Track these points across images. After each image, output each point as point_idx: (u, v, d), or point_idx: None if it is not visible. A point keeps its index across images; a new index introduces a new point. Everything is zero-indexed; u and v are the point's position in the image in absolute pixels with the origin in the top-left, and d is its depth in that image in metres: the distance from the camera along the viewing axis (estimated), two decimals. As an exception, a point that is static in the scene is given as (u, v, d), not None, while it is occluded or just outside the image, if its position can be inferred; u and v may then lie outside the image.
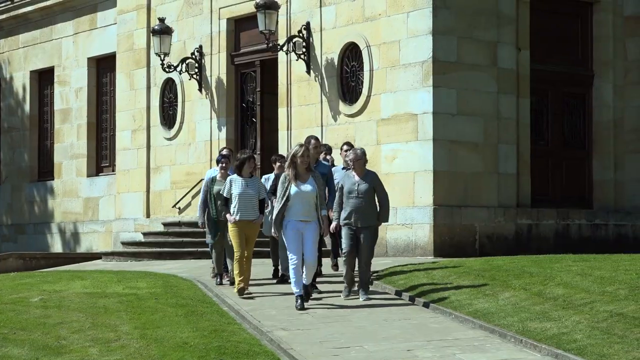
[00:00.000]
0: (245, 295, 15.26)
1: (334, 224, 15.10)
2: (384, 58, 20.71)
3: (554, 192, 21.89)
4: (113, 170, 28.72)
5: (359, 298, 14.79)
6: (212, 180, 17.12)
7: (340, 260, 16.25)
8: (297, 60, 22.41)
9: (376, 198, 15.06)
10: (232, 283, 16.27)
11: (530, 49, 21.34)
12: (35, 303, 14.98)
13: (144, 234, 24.70)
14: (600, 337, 11.31)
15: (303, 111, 22.43)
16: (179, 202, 25.14)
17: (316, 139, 16.19)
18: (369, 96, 20.99)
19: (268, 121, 23.84)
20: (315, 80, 22.16)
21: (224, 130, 24.49)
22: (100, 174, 29.92)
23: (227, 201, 15.69)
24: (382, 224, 15.51)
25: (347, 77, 21.64)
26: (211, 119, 24.74)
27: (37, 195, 31.98)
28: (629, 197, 22.41)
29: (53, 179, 31.42)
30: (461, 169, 19.88)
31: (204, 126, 24.94)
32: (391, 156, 19.97)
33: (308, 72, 22.28)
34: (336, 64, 21.69)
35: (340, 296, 15.13)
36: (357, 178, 14.90)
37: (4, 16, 32.95)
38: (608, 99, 22.46)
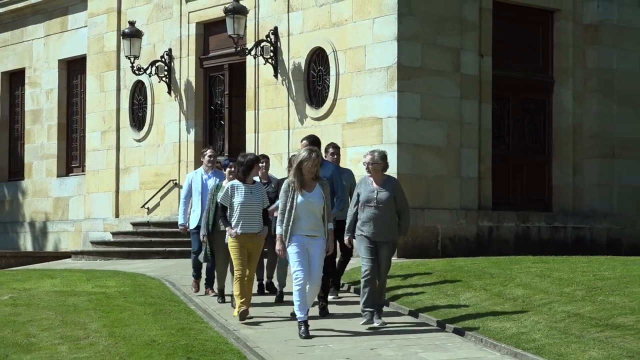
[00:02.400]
0: (247, 320, 13.10)
1: (346, 239, 13.00)
2: (350, 63, 20.76)
3: (514, 195, 22.01)
4: (83, 171, 28.64)
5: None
6: (218, 187, 14.51)
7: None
8: (264, 64, 22.42)
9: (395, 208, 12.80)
10: (221, 298, 14.94)
11: (493, 55, 21.43)
12: (5, 301, 14.92)
13: (113, 234, 24.65)
14: (557, 337, 11.39)
15: (270, 114, 22.44)
16: (147, 202, 25.09)
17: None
18: (335, 100, 21.03)
19: (236, 124, 23.85)
20: (283, 84, 22.18)
21: (192, 132, 24.47)
22: (70, 174, 29.83)
23: (225, 211, 13.29)
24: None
25: (314, 81, 21.68)
26: (180, 121, 24.72)
27: (8, 194, 31.85)
28: (587, 201, 22.56)
29: (23, 179, 31.31)
30: (424, 172, 19.94)
31: (173, 128, 24.91)
32: (356, 159, 19.96)
33: (275, 76, 22.30)
34: (303, 68, 21.72)
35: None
36: (375, 185, 12.65)
37: (-25, 18, 32.84)
38: (568, 105, 22.60)
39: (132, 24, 25.01)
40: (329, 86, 21.21)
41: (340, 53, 20.94)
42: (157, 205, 24.99)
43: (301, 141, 14.21)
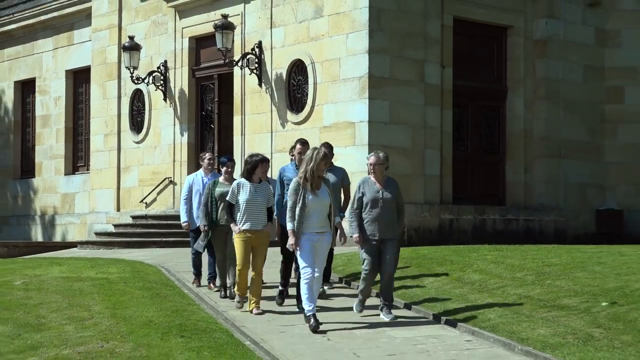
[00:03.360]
0: (256, 311, 12.40)
1: (355, 236, 11.92)
2: (326, 73, 20.75)
3: (472, 191, 22.05)
4: (87, 170, 28.55)
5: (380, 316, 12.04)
6: (215, 183, 13.94)
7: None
8: (250, 74, 22.39)
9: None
10: (226, 293, 13.85)
11: (453, 67, 21.46)
12: (18, 286, 14.88)
13: (115, 226, 24.56)
14: (510, 317, 11.44)
15: (255, 119, 22.42)
16: (145, 197, 25.01)
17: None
18: (313, 106, 21.02)
19: (225, 128, 23.80)
20: (266, 92, 22.16)
21: (185, 135, 24.43)
22: (76, 173, 29.74)
23: (231, 208, 12.59)
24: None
25: (294, 90, 21.66)
26: (174, 125, 24.66)
27: (20, 190, 31.74)
28: (536, 196, 22.62)
29: (34, 177, 31.19)
30: (392, 170, 19.52)
31: (168, 131, 24.85)
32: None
33: (260, 85, 22.27)
34: (284, 78, 21.70)
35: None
36: (378, 186, 11.95)
37: (-10, 33, 32.74)
38: (519, 111, 22.65)
39: (131, 38, 24.95)
40: (307, 94, 21.20)
41: (317, 64, 20.93)
42: (154, 200, 24.94)
43: (294, 145, 13.54)
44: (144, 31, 25.45)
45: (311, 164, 11.48)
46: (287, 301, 13.31)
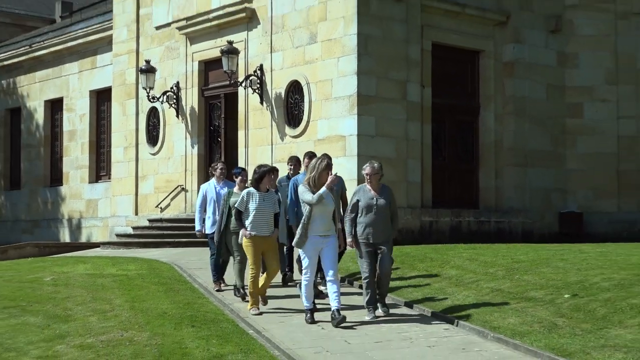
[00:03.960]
0: (254, 311, 11.93)
1: (349, 240, 11.65)
2: (320, 92, 20.75)
3: (449, 196, 22.04)
4: (109, 178, 28.53)
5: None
6: (230, 194, 13.38)
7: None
8: (252, 93, 22.39)
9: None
10: (239, 293, 13.26)
11: (432, 86, 21.46)
12: (48, 282, 14.89)
13: (133, 228, 24.52)
14: (483, 308, 11.46)
15: (257, 133, 22.41)
16: (160, 203, 24.99)
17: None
18: (308, 122, 21.01)
19: (230, 141, 23.78)
20: (267, 109, 22.15)
21: (195, 147, 24.41)
22: (99, 181, 29.73)
23: (240, 215, 12.12)
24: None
25: (292, 107, 21.64)
26: (186, 138, 24.64)
27: (50, 197, 31.72)
28: (506, 200, 22.63)
29: (62, 185, 31.18)
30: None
31: (180, 144, 24.83)
32: (325, 168, 20.02)
33: (261, 103, 22.27)
34: (283, 96, 21.70)
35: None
36: (373, 193, 11.59)
37: (24, 57, 32.76)
38: (490, 125, 22.67)
39: (147, 62, 24.96)
40: (303, 111, 21.18)
41: (312, 85, 20.93)
42: (168, 205, 24.91)
43: (303, 158, 13.58)
44: (159, 55, 25.45)
45: (313, 173, 11.33)
46: (286, 293, 13.31)
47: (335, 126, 20.35)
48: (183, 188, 24.57)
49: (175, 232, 22.53)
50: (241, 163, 22.20)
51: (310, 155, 13.28)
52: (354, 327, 10.96)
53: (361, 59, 20.02)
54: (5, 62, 33.69)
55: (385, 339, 10.34)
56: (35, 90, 32.63)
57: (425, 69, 21.27)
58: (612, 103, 23.59)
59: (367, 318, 11.42)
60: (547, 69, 23.40)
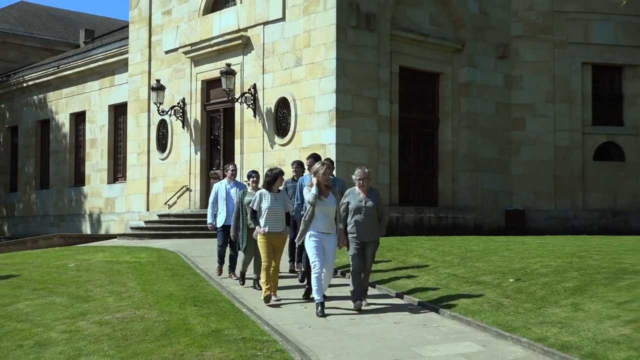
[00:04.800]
0: (272, 303, 11.23)
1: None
2: (304, 108, 20.75)
3: (413, 196, 22.10)
4: (124, 180, 28.43)
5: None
6: (244, 193, 12.76)
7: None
8: (247, 108, 22.36)
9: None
10: (242, 281, 12.91)
11: (399, 103, 21.52)
12: (71, 268, 14.82)
13: (145, 222, 24.43)
14: (442, 290, 11.48)
15: (251, 142, 22.38)
16: (168, 200, 24.91)
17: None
18: (294, 132, 21.01)
19: (228, 148, 23.74)
20: (259, 122, 22.13)
21: (199, 154, 24.34)
22: (116, 182, 29.59)
23: (255, 213, 11.55)
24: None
25: (280, 120, 21.63)
26: (190, 146, 24.58)
27: (74, 195, 31.57)
28: (461, 200, 22.71)
29: (84, 185, 31.03)
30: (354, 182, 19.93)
31: (185, 151, 24.77)
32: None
33: (254, 116, 22.25)
34: (273, 111, 21.68)
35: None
36: (362, 195, 10.89)
37: (52, 77, 32.59)
38: (448, 136, 22.75)
39: (158, 81, 24.89)
40: (290, 123, 21.17)
41: (297, 101, 20.94)
42: (175, 202, 24.83)
43: (307, 158, 12.72)
44: (168, 76, 25.38)
45: (316, 175, 10.82)
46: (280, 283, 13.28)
47: (317, 136, 20.36)
48: (188, 188, 24.51)
49: (180, 226, 22.46)
50: (238, 170, 22.13)
51: (315, 157, 12.50)
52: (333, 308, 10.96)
53: (339, 80, 20.04)
54: (37, 81, 33.58)
55: (358, 317, 10.35)
56: (62, 105, 32.48)
57: (393, 88, 21.32)
58: (549, 118, 23.72)
59: (353, 308, 10.76)
60: (496, 89, 23.50)
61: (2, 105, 36.19)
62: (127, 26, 29.58)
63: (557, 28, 23.84)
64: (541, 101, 23.75)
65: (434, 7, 22.56)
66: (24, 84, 34.27)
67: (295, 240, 10.87)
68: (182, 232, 21.64)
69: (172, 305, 10.84)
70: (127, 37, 28.11)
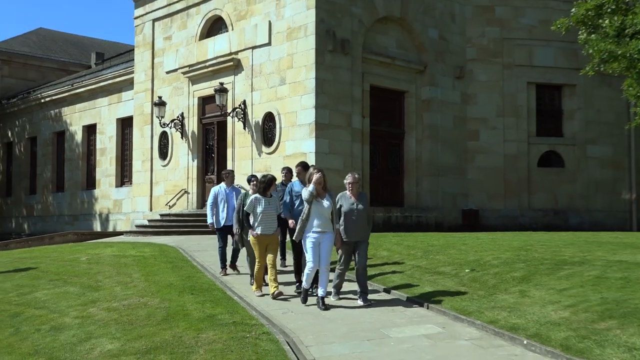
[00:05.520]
0: (280, 298, 10.63)
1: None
2: (287, 121, 20.74)
3: (382, 197, 22.13)
4: (130, 184, 28.28)
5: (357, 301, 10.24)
6: (246, 195, 11.94)
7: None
8: (238, 121, 22.31)
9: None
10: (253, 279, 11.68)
11: (370, 117, 21.56)
12: (83, 261, 14.68)
13: (148, 220, 24.29)
14: (407, 280, 11.49)
15: (241, 151, 22.32)
16: (169, 202, 24.79)
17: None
18: (279, 142, 20.98)
19: (221, 156, 23.67)
20: (248, 133, 22.08)
21: (195, 161, 24.25)
22: (123, 186, 29.44)
23: (249, 216, 11.06)
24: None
25: (267, 132, 21.59)
26: (188, 155, 24.48)
27: (86, 197, 31.35)
28: (424, 201, 22.77)
29: (95, 188, 30.85)
30: (331, 184, 19.86)
31: (184, 159, 24.66)
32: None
33: (244, 128, 22.20)
34: (260, 124, 21.64)
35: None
36: (353, 199, 10.35)
37: (67, 94, 32.46)
38: (412, 146, 22.82)
39: (160, 98, 24.81)
40: (275, 134, 21.15)
41: (282, 115, 20.92)
42: (174, 204, 24.71)
43: (296, 166, 11.98)
44: (168, 93, 25.28)
45: (310, 180, 10.28)
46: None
47: (299, 146, 20.34)
48: (186, 191, 24.41)
49: (179, 224, 22.34)
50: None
51: (303, 165, 11.86)
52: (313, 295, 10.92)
53: (318, 97, 20.05)
54: (53, 97, 33.37)
55: (334, 303, 10.30)
56: (76, 118, 32.26)
57: (365, 104, 21.36)
58: (500, 130, 23.87)
59: (332, 298, 10.44)
60: (454, 105, 23.61)
61: (23, 119, 35.91)
62: (133, 50, 29.48)
63: (505, 52, 24.03)
64: (492, 115, 23.90)
65: (399, 34, 22.65)
66: (42, 100, 34.06)
67: (294, 238, 10.40)
68: (180, 229, 21.52)
69: (172, 293, 10.77)
70: (133, 59, 28.03)
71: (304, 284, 10.33)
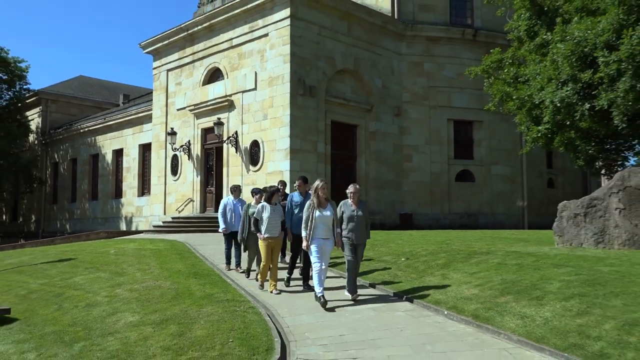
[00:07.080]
0: (275, 292, 9.67)
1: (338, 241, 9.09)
2: (269, 147, 20.67)
3: (340, 204, 22.11)
4: (149, 194, 27.89)
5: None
6: (249, 206, 11.13)
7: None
8: (231, 147, 22.16)
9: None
10: (247, 274, 11.18)
11: (331, 144, 21.59)
12: (112, 253, 14.40)
13: (163, 222, 23.91)
14: (361, 269, 11.44)
15: (234, 169, 22.17)
16: (178, 208, 24.48)
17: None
18: (262, 163, 20.89)
19: (218, 173, 23.49)
20: (239, 156, 21.95)
21: (199, 177, 24.01)
22: (143, 196, 29.02)
23: (257, 222, 9.96)
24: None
25: (253, 155, 21.47)
26: (193, 172, 24.24)
27: (114, 205, 30.82)
28: (371, 207, 22.75)
29: (122, 197, 30.34)
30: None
31: (190, 175, 24.41)
32: (272, 189, 19.89)
33: (236, 152, 22.06)
34: (248, 148, 21.53)
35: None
36: (354, 207, 9.11)
37: (100, 125, 32.00)
38: (362, 166, 22.89)
39: (172, 129, 24.56)
40: (260, 157, 21.05)
41: (265, 142, 20.85)
42: (183, 209, 24.41)
43: (297, 179, 10.84)
44: (178, 125, 25.05)
45: (313, 191, 9.09)
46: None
47: (277, 166, 20.28)
48: (191, 199, 24.14)
49: (186, 225, 22.04)
50: (224, 188, 21.94)
51: (303, 178, 10.63)
52: (295, 286, 10.79)
53: (292, 129, 20.04)
54: (90, 128, 32.85)
55: (305, 287, 10.23)
56: (107, 144, 31.78)
57: (327, 135, 21.40)
58: (427, 154, 24.10)
59: (346, 293, 9.16)
60: (393, 136, 23.80)
61: (66, 144, 35.28)
62: (152, 92, 29.17)
63: (431, 97, 24.34)
64: (422, 143, 24.14)
65: (353, 83, 22.80)
66: (81, 130, 33.50)
67: (303, 247, 9.20)
68: (187, 229, 21.23)
69: (180, 277, 10.62)
70: (152, 100, 27.73)
71: (317, 288, 8.70)
